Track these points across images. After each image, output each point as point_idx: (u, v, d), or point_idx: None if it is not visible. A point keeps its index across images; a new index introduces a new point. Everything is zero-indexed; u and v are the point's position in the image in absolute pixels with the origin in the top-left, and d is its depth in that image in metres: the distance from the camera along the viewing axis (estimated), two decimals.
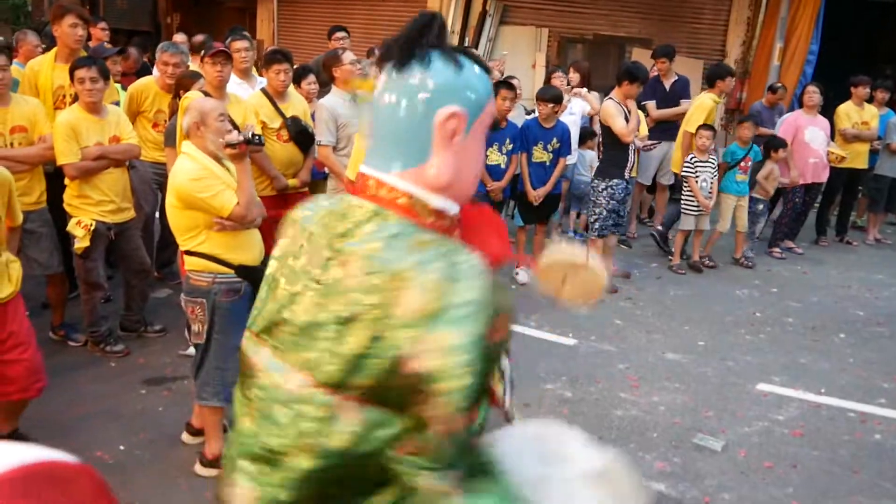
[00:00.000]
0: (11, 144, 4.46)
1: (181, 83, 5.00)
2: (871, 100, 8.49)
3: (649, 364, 5.09)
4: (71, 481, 0.75)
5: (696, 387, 4.80)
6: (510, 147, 6.24)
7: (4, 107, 4.45)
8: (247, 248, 3.54)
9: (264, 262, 3.58)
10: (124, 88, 5.75)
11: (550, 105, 6.31)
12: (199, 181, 3.38)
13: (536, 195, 6.36)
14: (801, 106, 8.22)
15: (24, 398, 3.57)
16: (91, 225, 4.50)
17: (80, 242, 4.50)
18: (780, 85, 9.04)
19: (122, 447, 3.77)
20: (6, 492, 0.69)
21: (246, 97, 5.32)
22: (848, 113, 8.33)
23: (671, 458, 3.95)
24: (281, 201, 5.61)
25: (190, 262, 3.50)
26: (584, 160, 7.55)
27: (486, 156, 6.12)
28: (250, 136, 3.41)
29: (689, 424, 4.31)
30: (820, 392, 4.82)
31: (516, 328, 5.53)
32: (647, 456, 3.95)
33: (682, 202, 7.22)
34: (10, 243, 3.66)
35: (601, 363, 5.07)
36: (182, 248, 3.54)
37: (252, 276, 3.49)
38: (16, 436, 3.67)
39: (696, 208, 7.07)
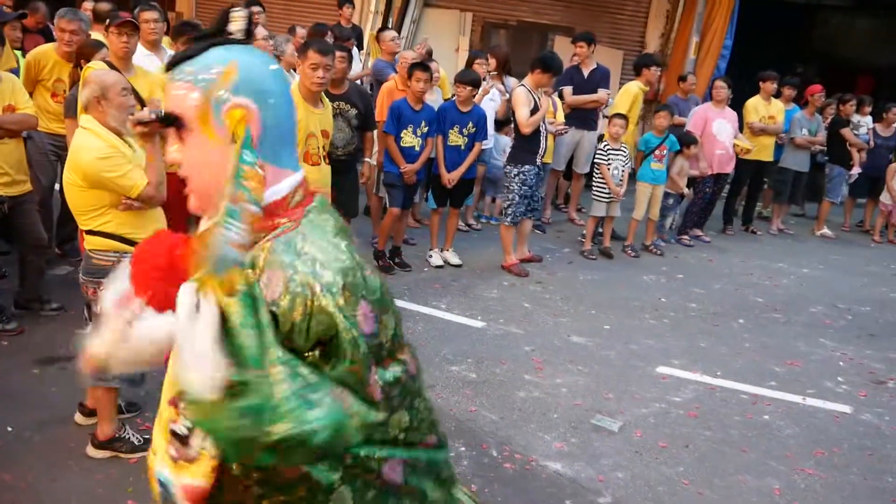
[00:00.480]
0: None
1: (82, 52, 4.81)
2: (778, 95, 8.81)
3: (554, 347, 5.19)
4: None
5: (598, 369, 4.91)
6: (425, 129, 6.23)
7: None
8: (151, 225, 3.45)
9: None
10: (24, 53, 5.51)
11: (469, 88, 6.33)
12: (107, 160, 3.28)
13: (450, 178, 6.37)
14: (711, 99, 8.47)
15: None
16: None
17: None
18: (689, 72, 9.32)
19: (9, 428, 3.64)
20: None
21: (154, 70, 5.16)
22: (756, 107, 8.63)
23: (569, 438, 4.04)
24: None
25: (91, 242, 3.39)
26: (499, 145, 7.61)
27: (401, 138, 6.13)
28: (161, 113, 3.32)
29: (590, 406, 4.41)
30: (716, 375, 5.00)
31: (426, 310, 5.57)
32: (546, 436, 4.03)
33: (594, 188, 7.36)
34: None
35: (507, 345, 5.14)
36: (83, 227, 3.43)
37: None
38: None
39: (607, 195, 7.22)
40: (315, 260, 1.36)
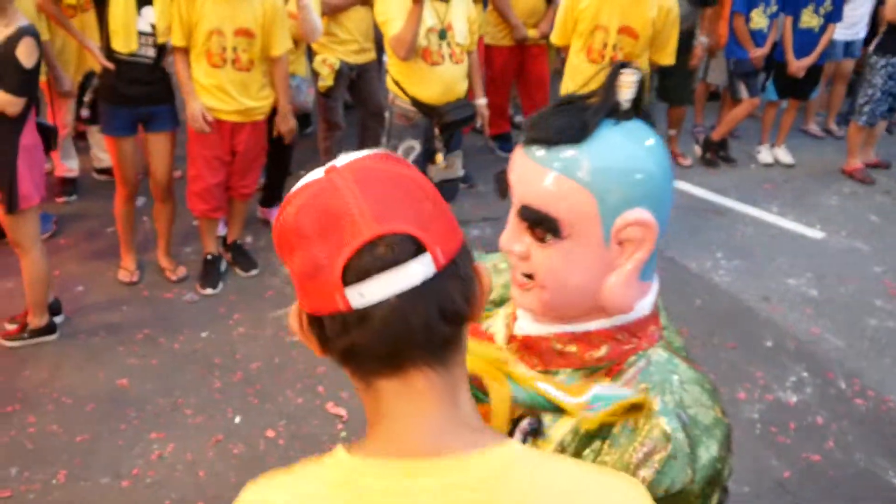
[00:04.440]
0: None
1: None
2: None
3: None
4: None
5: None
6: (774, 9, 5.55)
7: None
8: (425, 85, 3.85)
9: (454, 106, 3.90)
10: None
11: None
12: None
13: (800, 66, 5.67)
14: None
15: None
16: (335, 64, 4.55)
17: (324, 81, 4.57)
18: None
19: None
20: None
21: None
22: None
23: None
24: (518, 52, 5.43)
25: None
26: None
27: (750, 18, 5.51)
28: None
29: None
30: None
31: (756, 212, 5.15)
32: None
33: None
34: (276, 77, 3.82)
35: (852, 262, 4.61)
36: None
37: (426, 110, 3.87)
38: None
39: None
40: (694, 432, 1.10)
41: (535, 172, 1.14)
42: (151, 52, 3.63)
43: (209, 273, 4.00)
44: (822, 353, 3.69)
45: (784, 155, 6.05)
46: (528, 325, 1.29)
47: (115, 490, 2.76)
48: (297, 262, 0.77)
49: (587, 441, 1.18)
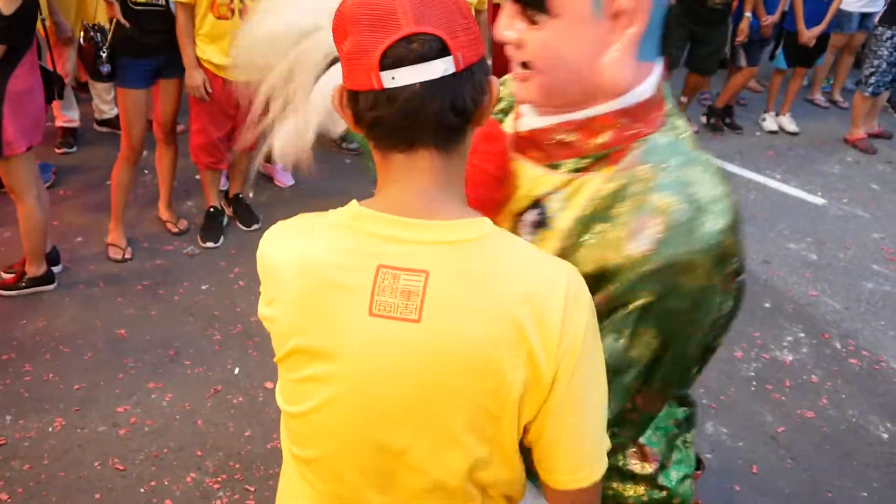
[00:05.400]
0: None
1: None
2: None
3: None
4: None
5: None
6: None
7: None
8: None
9: None
10: None
11: None
12: None
13: (811, 35, 5.61)
14: None
15: None
16: None
17: None
18: None
19: None
20: None
21: None
22: None
23: None
24: None
25: None
26: None
27: None
28: None
29: None
30: None
31: (759, 178, 5.14)
32: None
33: None
34: None
35: (852, 228, 4.62)
36: None
37: None
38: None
39: None
40: (696, 206, 1.08)
41: None
42: (164, 0, 3.59)
43: (211, 226, 4.00)
44: (820, 315, 3.71)
45: (788, 123, 6.03)
46: (531, 120, 1.28)
47: (112, 437, 2.76)
48: (347, 45, 0.94)
49: (590, 224, 1.17)
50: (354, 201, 0.99)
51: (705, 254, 1.06)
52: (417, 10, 0.90)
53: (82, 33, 3.69)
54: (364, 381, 0.96)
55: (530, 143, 1.27)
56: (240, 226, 4.11)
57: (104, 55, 3.56)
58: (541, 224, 1.26)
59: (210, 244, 3.94)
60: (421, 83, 0.91)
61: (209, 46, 3.62)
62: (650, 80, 1.18)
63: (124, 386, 3.00)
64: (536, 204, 1.27)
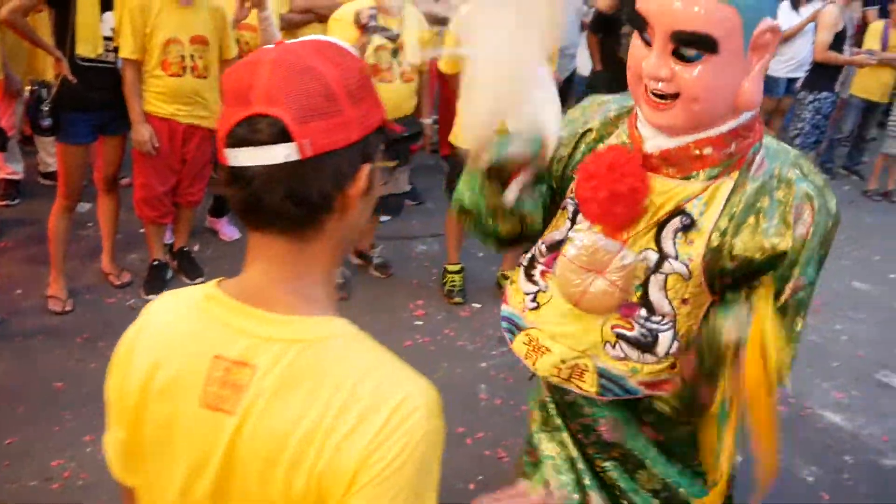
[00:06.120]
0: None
1: None
2: None
3: (833, 290, 4.76)
4: None
5: (884, 320, 4.48)
6: None
7: None
8: None
9: (400, 124, 3.77)
10: None
11: None
12: None
13: None
14: None
15: None
16: None
17: None
18: None
19: None
20: None
21: None
22: None
23: (850, 390, 3.74)
24: None
25: None
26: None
27: None
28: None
29: (874, 359, 4.04)
30: None
31: None
32: (824, 384, 3.76)
33: (890, 124, 6.54)
34: None
35: None
36: None
37: None
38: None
39: None
40: (820, 189, 1.49)
41: (686, 0, 1.35)
42: (112, 57, 3.65)
43: (154, 279, 4.01)
44: None
45: None
46: (662, 141, 1.52)
47: (44, 492, 2.71)
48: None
49: (743, 219, 1.49)
50: (216, 281, 0.99)
51: (836, 222, 1.50)
52: (273, 90, 0.87)
53: (29, 88, 3.74)
54: (186, 469, 0.94)
55: (664, 161, 1.53)
56: (185, 279, 4.12)
57: (45, 109, 3.59)
58: (689, 227, 1.52)
59: (153, 297, 3.90)
60: (262, 166, 0.87)
61: (159, 99, 3.69)
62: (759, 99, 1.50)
63: (59, 439, 2.96)
64: (679, 211, 1.53)
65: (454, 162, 4.06)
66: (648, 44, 1.43)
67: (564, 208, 1.71)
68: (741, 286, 1.52)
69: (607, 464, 1.78)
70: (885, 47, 6.50)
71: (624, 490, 1.78)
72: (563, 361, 1.67)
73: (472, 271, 4.33)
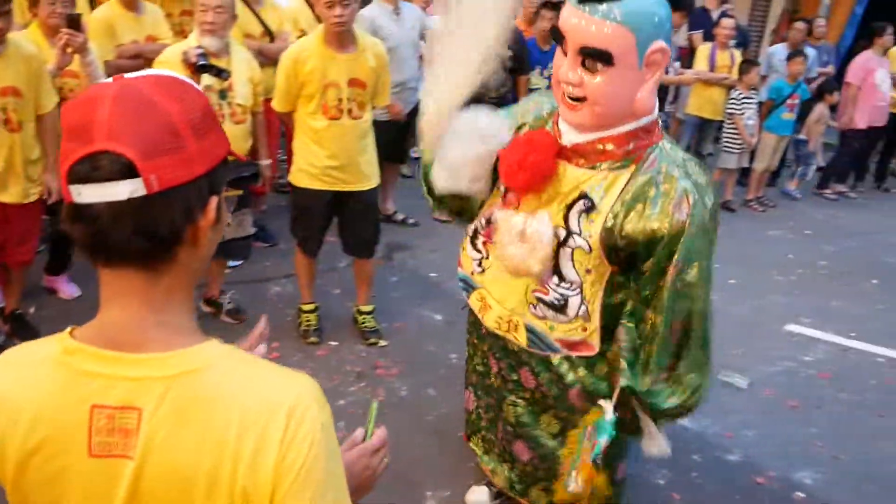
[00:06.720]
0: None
1: None
2: None
3: None
4: None
5: (724, 324, 4.68)
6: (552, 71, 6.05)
7: None
8: None
9: (233, 165, 3.74)
10: None
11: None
12: None
13: None
14: (869, 46, 7.76)
15: None
16: None
17: None
18: (821, 16, 8.80)
19: None
20: None
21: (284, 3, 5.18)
22: None
23: None
24: None
25: None
26: None
27: (529, 79, 5.96)
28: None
29: (717, 361, 4.23)
30: (849, 336, 4.76)
31: None
32: None
33: (725, 139, 7.02)
34: (44, 136, 3.66)
35: None
36: None
37: None
38: None
39: (739, 146, 6.89)
40: (700, 187, 1.88)
41: (591, 22, 1.71)
42: None
43: None
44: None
45: None
46: (574, 136, 1.95)
47: None
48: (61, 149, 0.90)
49: (632, 205, 1.88)
50: (68, 331, 0.95)
51: (712, 218, 1.90)
52: (115, 125, 0.86)
53: None
54: None
55: (574, 153, 1.96)
56: (18, 344, 3.86)
57: None
58: (590, 209, 1.90)
59: None
60: (107, 203, 0.86)
61: None
62: (656, 107, 1.90)
63: None
64: (583, 195, 1.94)
65: (294, 202, 4.01)
66: (566, 54, 1.81)
67: (499, 188, 2.14)
68: (634, 266, 1.96)
69: (519, 400, 2.28)
70: (712, 68, 7.05)
71: (525, 423, 2.29)
72: (500, 318, 2.15)
73: (328, 309, 4.28)
